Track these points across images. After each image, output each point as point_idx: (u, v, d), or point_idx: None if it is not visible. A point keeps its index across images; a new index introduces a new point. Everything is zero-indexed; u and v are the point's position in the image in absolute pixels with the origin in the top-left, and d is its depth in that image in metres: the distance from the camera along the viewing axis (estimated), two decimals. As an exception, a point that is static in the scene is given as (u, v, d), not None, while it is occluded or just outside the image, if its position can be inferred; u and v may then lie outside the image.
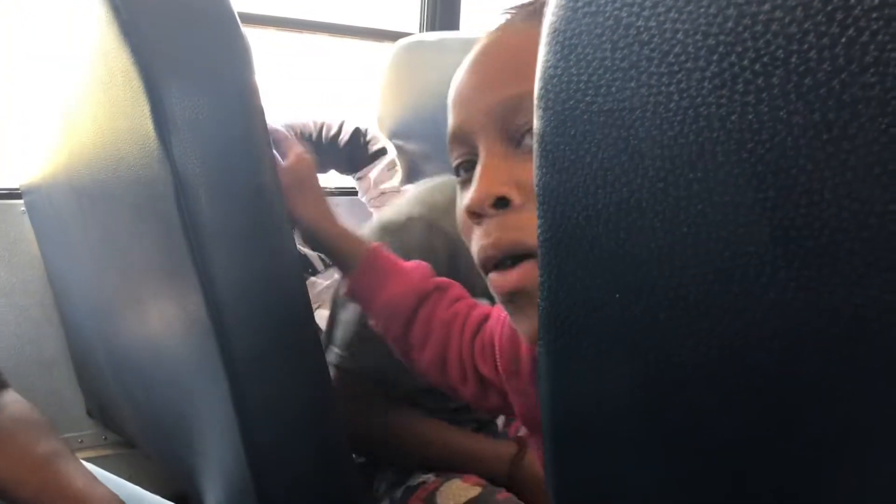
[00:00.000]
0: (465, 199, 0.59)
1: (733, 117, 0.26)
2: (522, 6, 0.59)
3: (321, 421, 0.82)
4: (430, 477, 1.01)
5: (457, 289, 0.86)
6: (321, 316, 1.56)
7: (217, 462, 0.89)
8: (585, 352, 0.35)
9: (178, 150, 0.71)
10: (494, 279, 0.56)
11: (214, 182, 0.72)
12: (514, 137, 0.55)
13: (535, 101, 0.34)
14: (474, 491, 0.96)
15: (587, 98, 0.31)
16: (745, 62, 0.26)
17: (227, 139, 0.73)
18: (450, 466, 1.01)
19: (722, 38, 0.26)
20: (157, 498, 0.90)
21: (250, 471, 0.78)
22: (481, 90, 0.56)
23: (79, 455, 0.77)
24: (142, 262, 0.87)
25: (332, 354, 1.04)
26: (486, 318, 0.81)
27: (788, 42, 0.24)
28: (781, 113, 0.25)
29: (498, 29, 0.59)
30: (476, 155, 0.57)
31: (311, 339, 0.79)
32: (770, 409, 0.29)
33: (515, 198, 0.53)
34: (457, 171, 0.62)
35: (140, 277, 0.90)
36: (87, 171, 0.91)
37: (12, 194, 1.42)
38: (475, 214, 0.55)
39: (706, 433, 0.31)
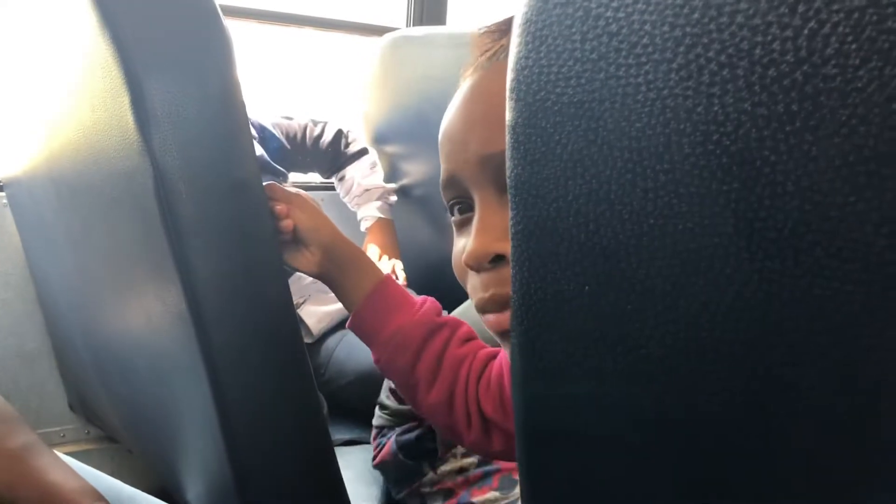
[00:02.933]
0: (460, 243, 0.59)
1: (699, 109, 0.26)
2: (504, 38, 0.58)
3: (301, 414, 0.82)
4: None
5: (466, 328, 0.85)
6: (308, 312, 1.56)
7: (197, 456, 0.89)
8: (557, 344, 0.35)
9: (158, 143, 0.71)
10: (490, 319, 0.57)
11: (194, 175, 0.72)
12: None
13: (507, 93, 0.34)
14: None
15: (557, 89, 0.31)
16: (711, 53, 0.26)
17: (207, 132, 0.73)
18: None
19: (688, 29, 0.26)
20: (138, 492, 0.89)
21: (230, 465, 0.78)
22: (473, 141, 0.56)
23: (61, 449, 0.76)
24: (121, 255, 0.86)
25: None
26: (493, 357, 0.81)
27: (753, 33, 0.24)
28: (746, 104, 0.25)
29: (484, 70, 0.58)
30: (470, 198, 0.57)
31: (291, 332, 0.79)
32: (737, 400, 0.29)
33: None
34: (451, 211, 0.62)
35: (120, 270, 0.89)
36: (67, 163, 0.90)
37: (-7, 187, 1.41)
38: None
39: (675, 425, 0.31)
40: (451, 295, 1.62)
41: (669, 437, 0.31)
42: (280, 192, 0.85)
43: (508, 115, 0.34)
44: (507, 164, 0.35)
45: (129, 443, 1.28)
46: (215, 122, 0.74)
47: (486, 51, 0.59)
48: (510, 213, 0.35)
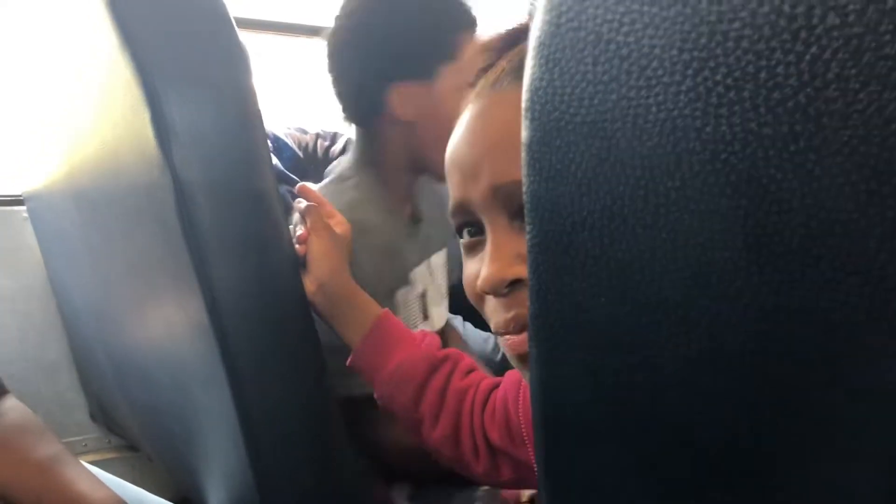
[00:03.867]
0: (472, 266, 0.59)
1: (707, 129, 0.28)
2: (510, 63, 0.57)
3: (323, 423, 0.83)
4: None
5: (468, 360, 0.85)
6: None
7: (220, 465, 0.90)
8: (574, 355, 0.36)
9: (178, 157, 0.72)
10: (510, 340, 0.57)
11: (214, 188, 0.74)
12: (519, 213, 0.55)
13: (522, 112, 0.35)
14: None
15: (571, 110, 0.32)
16: (718, 77, 0.27)
17: (226, 146, 0.75)
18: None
19: (696, 53, 0.27)
20: (161, 500, 0.91)
21: (253, 472, 0.80)
22: (484, 172, 0.56)
23: (83, 459, 0.78)
24: (143, 267, 0.88)
25: None
26: (496, 386, 0.81)
27: (757, 58, 0.26)
28: (752, 125, 0.26)
29: (489, 98, 0.57)
30: (479, 222, 0.58)
31: (310, 342, 0.81)
32: (747, 411, 0.30)
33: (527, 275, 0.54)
34: (460, 234, 0.63)
35: (141, 282, 0.91)
36: (88, 177, 0.92)
37: (14, 201, 1.43)
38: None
39: (690, 434, 0.32)
40: (464, 298, 1.63)
41: (684, 444, 0.33)
42: (313, 212, 0.87)
43: (524, 134, 0.35)
44: (524, 181, 0.36)
45: (149, 451, 1.30)
46: (233, 135, 0.76)
47: (488, 72, 0.59)
48: (527, 228, 0.36)
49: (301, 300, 0.80)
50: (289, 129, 1.72)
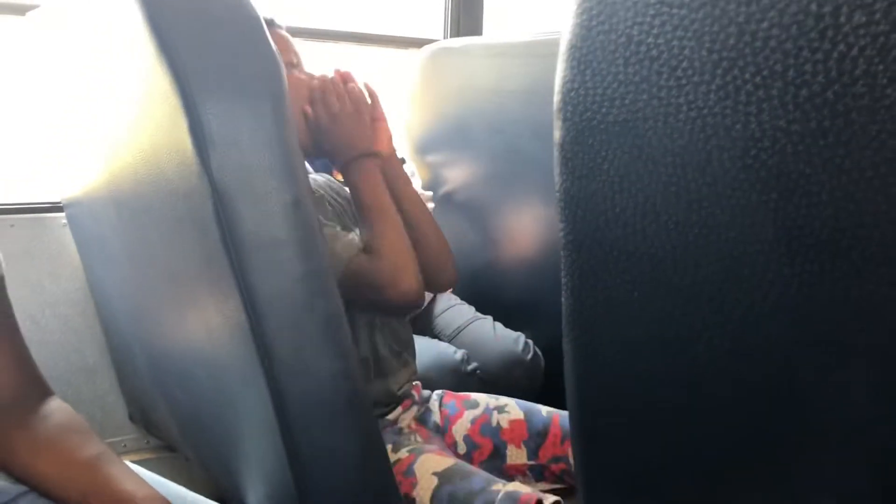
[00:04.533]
0: None
1: (737, 126, 0.28)
2: None
3: (359, 420, 0.84)
4: (403, 453, 1.02)
5: None
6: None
7: (257, 463, 0.92)
8: (607, 347, 0.37)
9: (215, 164, 0.74)
10: None
11: (251, 193, 0.75)
12: None
13: (555, 113, 0.36)
14: (449, 461, 0.98)
15: (603, 110, 0.33)
16: (747, 75, 0.28)
17: (262, 152, 0.76)
18: None
19: (725, 53, 0.28)
20: (201, 498, 0.93)
21: (291, 470, 0.81)
22: None
23: (122, 459, 0.80)
24: (181, 271, 0.90)
25: None
26: None
27: (785, 57, 0.26)
28: (781, 122, 0.27)
29: None
30: None
31: (345, 340, 0.82)
32: (779, 397, 0.31)
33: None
34: None
35: (179, 286, 0.93)
36: (127, 185, 0.95)
37: (54, 208, 1.47)
38: None
39: (723, 421, 0.33)
40: (494, 299, 1.64)
41: (718, 431, 0.33)
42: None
43: (556, 134, 0.36)
44: (556, 179, 0.37)
45: (187, 451, 1.32)
46: (269, 142, 0.77)
47: None
48: (560, 227, 0.37)
49: (336, 301, 0.82)
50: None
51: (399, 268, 0.98)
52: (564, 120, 0.35)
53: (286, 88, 0.79)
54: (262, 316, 0.76)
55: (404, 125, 1.89)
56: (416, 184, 1.88)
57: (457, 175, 1.85)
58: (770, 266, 0.28)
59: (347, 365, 0.82)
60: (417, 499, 0.96)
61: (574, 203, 0.36)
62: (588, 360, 0.37)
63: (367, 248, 1.00)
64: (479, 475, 0.96)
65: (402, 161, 1.85)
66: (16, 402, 0.74)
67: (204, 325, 0.91)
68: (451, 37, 2.01)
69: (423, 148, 1.88)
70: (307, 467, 0.81)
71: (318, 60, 1.98)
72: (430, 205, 1.86)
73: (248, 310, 0.76)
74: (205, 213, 0.75)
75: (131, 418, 1.57)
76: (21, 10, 1.16)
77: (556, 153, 0.36)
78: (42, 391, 0.77)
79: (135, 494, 0.72)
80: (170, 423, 1.32)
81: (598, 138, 0.33)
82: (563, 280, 0.37)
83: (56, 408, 0.79)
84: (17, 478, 0.72)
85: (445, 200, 1.90)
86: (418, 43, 1.87)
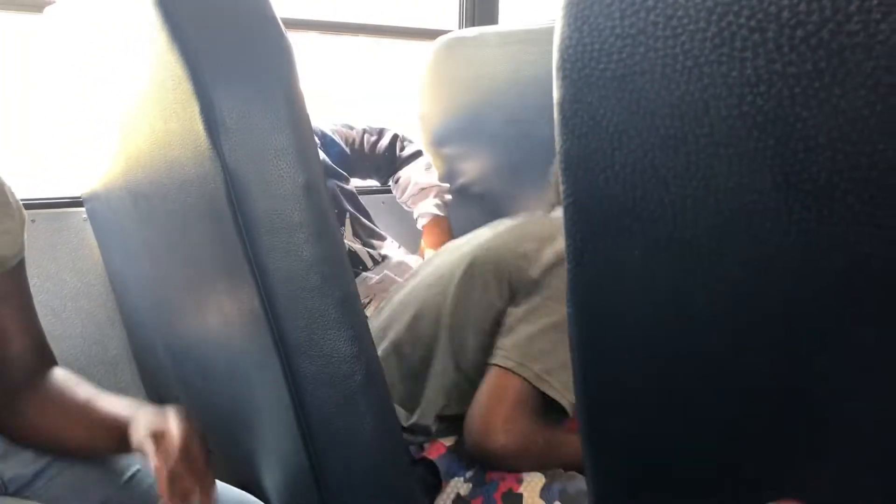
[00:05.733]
0: None
1: (733, 73, 0.28)
2: None
3: (373, 400, 0.84)
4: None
5: None
6: (368, 313, 1.59)
7: (274, 447, 0.93)
8: (611, 307, 0.37)
9: (227, 148, 0.74)
10: None
11: (264, 178, 0.76)
12: None
13: (554, 72, 0.36)
14: None
15: (600, 66, 0.33)
16: (742, 20, 0.27)
17: (273, 136, 0.77)
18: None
19: (719, -1, 0.28)
20: (221, 483, 0.94)
21: (305, 451, 0.82)
22: None
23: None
24: (196, 259, 0.91)
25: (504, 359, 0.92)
26: None
27: (779, -2, 0.26)
28: (776, 65, 0.27)
29: None
30: None
31: (360, 323, 0.82)
32: (782, 346, 0.30)
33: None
34: None
35: (195, 273, 0.94)
36: (143, 174, 0.95)
37: (74, 203, 1.48)
38: None
39: (723, 374, 0.33)
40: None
41: (718, 386, 0.33)
42: None
43: (556, 93, 0.36)
44: (557, 140, 0.37)
45: (206, 439, 1.33)
46: (280, 126, 0.78)
47: None
48: (562, 189, 0.37)
49: (350, 285, 0.82)
50: (335, 125, 1.74)
51: None
52: (563, 78, 0.35)
53: (297, 75, 0.79)
54: (275, 299, 0.77)
55: (419, 117, 1.89)
56: (433, 176, 1.88)
57: (473, 166, 1.85)
58: (768, 216, 0.28)
59: (361, 346, 0.82)
60: (525, 494, 0.94)
61: (574, 163, 0.36)
62: (591, 322, 0.37)
63: None
64: (582, 477, 0.95)
65: (419, 153, 1.85)
66: (27, 368, 0.79)
67: (220, 312, 0.91)
68: (466, 27, 2.00)
69: (439, 140, 1.88)
70: (322, 448, 0.82)
71: (331, 54, 1.99)
72: (448, 196, 1.86)
73: (261, 293, 0.76)
74: (218, 198, 0.75)
75: (152, 411, 1.59)
76: (39, 7, 1.18)
77: (556, 113, 0.36)
78: (50, 359, 0.83)
79: (123, 414, 0.76)
80: (189, 412, 1.33)
81: (596, 95, 0.33)
82: (566, 243, 0.37)
83: (58, 372, 0.83)
84: (26, 437, 0.77)
85: (462, 192, 1.90)
86: (432, 34, 1.87)
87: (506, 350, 0.90)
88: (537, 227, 1.00)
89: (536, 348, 0.88)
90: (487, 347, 0.94)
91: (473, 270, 0.98)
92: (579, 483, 0.95)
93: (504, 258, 0.96)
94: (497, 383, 0.89)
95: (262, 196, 0.77)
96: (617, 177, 0.33)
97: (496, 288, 0.96)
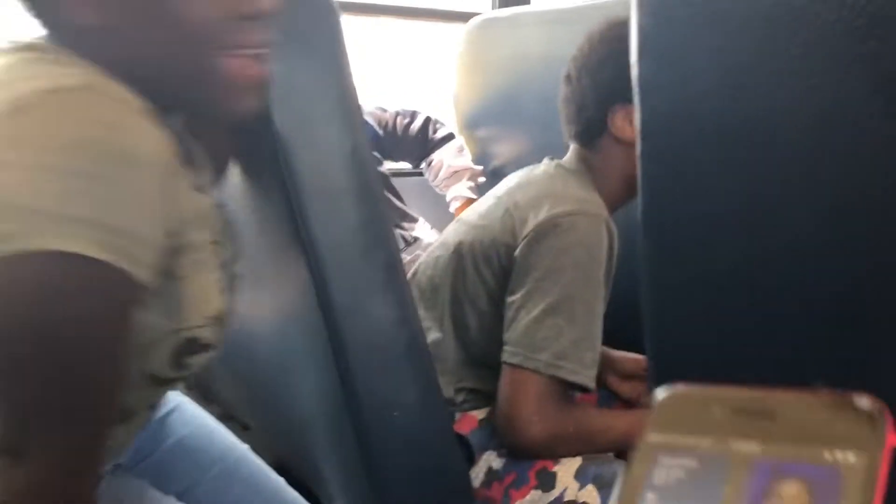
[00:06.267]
0: None
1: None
2: None
3: (417, 366, 0.84)
4: None
5: None
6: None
7: (317, 416, 0.93)
8: (683, 229, 0.36)
9: (278, 114, 0.75)
10: None
11: (311, 139, 0.76)
12: None
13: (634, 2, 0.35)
14: None
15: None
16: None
17: (319, 97, 0.77)
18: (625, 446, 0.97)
19: None
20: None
21: (350, 418, 0.82)
22: None
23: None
24: (244, 227, 0.91)
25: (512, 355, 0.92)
26: None
27: None
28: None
29: None
30: None
31: (404, 288, 0.82)
32: (868, 268, 0.30)
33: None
34: None
35: (242, 241, 0.94)
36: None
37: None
38: None
39: (806, 297, 0.32)
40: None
41: (801, 311, 0.32)
42: None
43: (635, 21, 0.36)
44: (635, 66, 0.36)
45: (246, 418, 1.34)
46: (325, 87, 0.78)
47: None
48: (636, 111, 0.37)
49: (394, 249, 0.82)
50: (368, 108, 1.75)
51: None
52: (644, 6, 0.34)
53: (342, 35, 0.80)
54: (322, 263, 0.77)
55: (452, 100, 1.89)
56: (466, 158, 1.87)
57: (507, 148, 1.84)
58: (867, 123, 0.27)
59: (406, 312, 0.82)
60: (560, 474, 0.94)
61: (651, 89, 0.35)
62: (662, 241, 0.37)
63: None
64: (618, 461, 0.95)
65: (451, 136, 1.85)
66: None
67: (266, 282, 0.92)
68: (498, 7, 2.00)
69: (472, 122, 1.87)
70: (366, 415, 0.82)
71: (365, 37, 1.99)
72: (481, 179, 1.86)
73: (308, 257, 0.77)
74: (266, 159, 0.76)
75: (188, 387, 1.60)
76: None
77: (634, 39, 0.36)
78: None
79: None
80: (229, 390, 1.34)
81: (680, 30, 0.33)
82: (640, 167, 0.36)
83: None
84: None
85: (496, 175, 1.89)
86: (465, 17, 1.87)
87: (511, 345, 0.91)
88: (532, 191, 0.99)
89: (539, 336, 0.89)
90: (489, 328, 0.95)
91: (462, 249, 0.98)
92: (616, 467, 0.94)
93: (492, 238, 0.96)
94: (512, 380, 0.90)
95: (310, 160, 0.78)
96: (700, 101, 0.33)
97: (487, 268, 0.96)
